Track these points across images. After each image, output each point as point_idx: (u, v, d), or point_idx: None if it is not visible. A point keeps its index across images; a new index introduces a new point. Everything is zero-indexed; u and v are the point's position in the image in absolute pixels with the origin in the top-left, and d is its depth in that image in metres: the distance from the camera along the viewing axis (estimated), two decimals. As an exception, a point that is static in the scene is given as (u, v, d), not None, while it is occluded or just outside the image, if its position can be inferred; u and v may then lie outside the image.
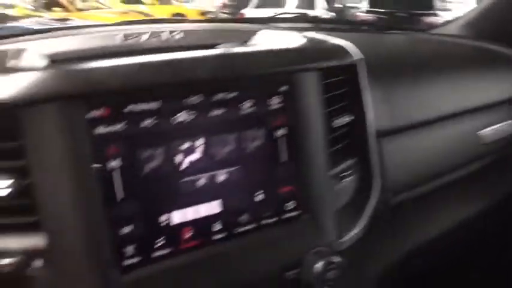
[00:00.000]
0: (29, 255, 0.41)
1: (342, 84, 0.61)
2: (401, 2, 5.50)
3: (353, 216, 0.60)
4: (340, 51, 0.59)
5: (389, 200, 0.72)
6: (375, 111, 0.62)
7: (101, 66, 0.42)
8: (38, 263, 0.42)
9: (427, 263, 0.97)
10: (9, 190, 0.40)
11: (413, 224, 0.85)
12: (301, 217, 0.53)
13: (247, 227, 0.49)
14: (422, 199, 0.79)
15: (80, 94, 0.40)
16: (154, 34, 0.57)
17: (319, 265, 0.51)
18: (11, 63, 0.43)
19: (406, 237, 0.84)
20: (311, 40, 0.58)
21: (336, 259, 0.51)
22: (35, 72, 0.40)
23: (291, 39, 0.56)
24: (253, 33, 0.59)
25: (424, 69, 0.79)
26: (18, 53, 0.44)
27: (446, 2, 5.98)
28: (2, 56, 0.45)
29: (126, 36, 0.56)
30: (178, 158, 0.45)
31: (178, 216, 0.46)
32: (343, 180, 0.60)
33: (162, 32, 0.58)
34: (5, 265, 0.41)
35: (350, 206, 0.61)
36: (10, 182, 0.40)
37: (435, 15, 5.27)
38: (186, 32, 0.59)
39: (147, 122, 0.43)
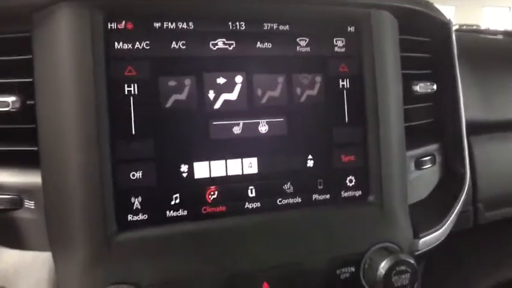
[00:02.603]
0: (23, 193, 0.34)
1: (426, 48, 0.48)
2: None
3: (434, 215, 0.46)
4: (430, 5, 0.47)
5: (479, 213, 0.56)
6: (466, 101, 0.49)
7: None
8: (30, 204, 0.35)
9: None
10: (11, 107, 0.34)
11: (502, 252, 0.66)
12: (366, 199, 0.40)
13: (292, 200, 0.38)
14: None
15: None
16: None
17: (384, 264, 0.37)
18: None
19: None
20: None
21: (409, 261, 0.37)
22: None
23: None
24: None
25: None
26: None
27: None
28: None
29: None
30: (210, 94, 0.36)
31: (202, 170, 0.36)
32: (422, 167, 0.47)
33: None
34: None
35: (430, 201, 0.47)
36: (14, 98, 0.34)
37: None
38: None
39: (177, 45, 0.35)
